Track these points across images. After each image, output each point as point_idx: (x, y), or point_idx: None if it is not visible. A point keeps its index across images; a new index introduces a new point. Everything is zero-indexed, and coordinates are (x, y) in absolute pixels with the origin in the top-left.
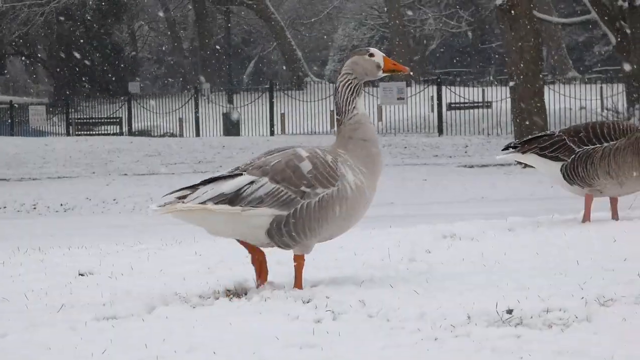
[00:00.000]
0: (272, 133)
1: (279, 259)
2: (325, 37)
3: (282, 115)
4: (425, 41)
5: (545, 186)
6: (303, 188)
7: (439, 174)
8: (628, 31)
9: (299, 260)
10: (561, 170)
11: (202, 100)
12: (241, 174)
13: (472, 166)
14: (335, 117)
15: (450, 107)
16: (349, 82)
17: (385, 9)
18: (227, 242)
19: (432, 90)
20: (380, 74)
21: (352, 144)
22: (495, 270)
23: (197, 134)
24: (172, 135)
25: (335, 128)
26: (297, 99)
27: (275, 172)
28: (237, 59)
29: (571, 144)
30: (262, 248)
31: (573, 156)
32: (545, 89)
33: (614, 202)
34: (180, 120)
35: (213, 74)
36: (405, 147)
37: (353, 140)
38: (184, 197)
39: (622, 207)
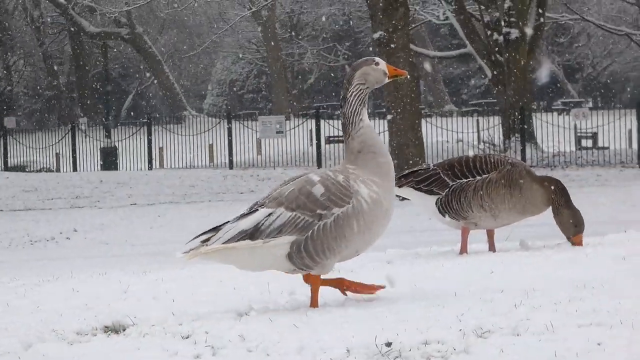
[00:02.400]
0: (150, 167)
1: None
2: (203, 71)
3: (161, 149)
4: (303, 75)
5: (423, 218)
6: (319, 211)
7: None
8: (504, 64)
9: (314, 280)
10: (436, 203)
11: (80, 135)
12: (258, 209)
13: None
14: (343, 132)
15: (329, 140)
16: (361, 91)
17: (264, 43)
18: (103, 278)
19: (311, 123)
20: (386, 81)
21: (362, 157)
22: (375, 303)
23: (75, 169)
24: (49, 170)
25: (344, 144)
26: (176, 133)
27: (289, 201)
28: (115, 92)
29: (445, 178)
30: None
31: (447, 190)
32: (423, 122)
33: (490, 234)
34: (57, 155)
35: (90, 108)
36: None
37: (362, 154)
38: (207, 240)
39: (499, 239)
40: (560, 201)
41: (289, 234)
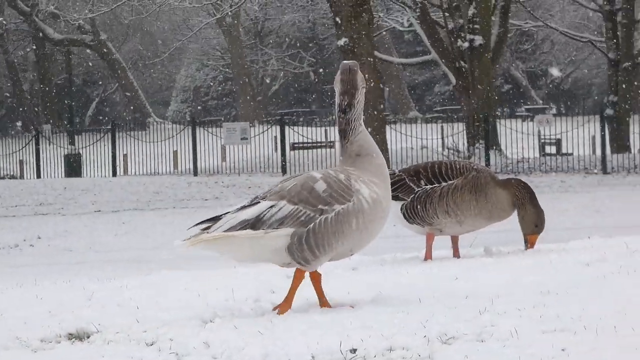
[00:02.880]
0: (114, 174)
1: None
2: (167, 77)
3: (125, 156)
4: (268, 81)
5: (388, 225)
6: (320, 206)
7: None
8: (468, 71)
9: (298, 275)
10: (401, 209)
11: (43, 142)
12: (259, 202)
13: None
14: (339, 136)
15: (293, 147)
16: (363, 96)
17: (228, 50)
18: (67, 285)
19: (276, 130)
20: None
21: (360, 160)
22: (339, 309)
23: (38, 176)
24: (13, 177)
25: (339, 148)
26: (140, 140)
27: (292, 195)
28: (79, 99)
29: (411, 184)
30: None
31: (412, 195)
32: (387, 128)
33: (455, 240)
34: (21, 162)
35: (54, 115)
36: (250, 187)
37: (361, 157)
38: (208, 228)
39: (463, 245)
40: (524, 198)
41: (290, 226)
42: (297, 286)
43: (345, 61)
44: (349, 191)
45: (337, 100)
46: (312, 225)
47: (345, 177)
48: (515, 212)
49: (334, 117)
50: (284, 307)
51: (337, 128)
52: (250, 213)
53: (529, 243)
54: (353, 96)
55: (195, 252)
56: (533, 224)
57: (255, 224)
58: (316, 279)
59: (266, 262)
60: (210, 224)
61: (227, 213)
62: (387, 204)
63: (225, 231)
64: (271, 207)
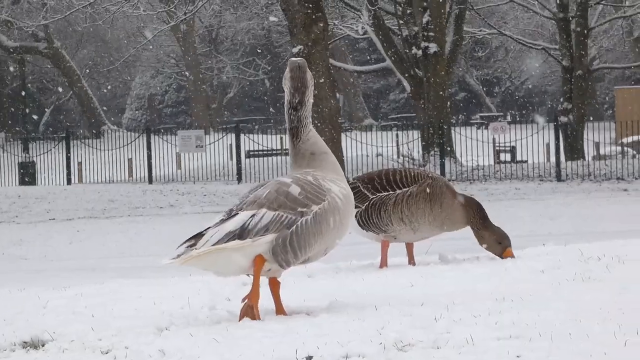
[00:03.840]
0: (69, 182)
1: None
2: (122, 85)
3: (80, 163)
4: (223, 89)
5: None
6: (299, 209)
7: None
8: (423, 79)
9: (259, 260)
10: (356, 217)
11: None
12: (237, 213)
13: None
14: (290, 135)
15: (249, 154)
16: (312, 94)
17: (183, 57)
18: (22, 294)
19: (231, 138)
20: None
21: (316, 159)
22: (295, 317)
23: None
24: None
25: (289, 151)
26: (95, 148)
27: (270, 202)
28: (33, 107)
29: (365, 191)
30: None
31: (367, 203)
32: (342, 136)
33: (410, 247)
34: None
35: (8, 123)
36: (205, 195)
37: (315, 155)
38: (193, 245)
39: (419, 253)
40: (478, 224)
41: (275, 232)
42: (259, 273)
43: (293, 58)
44: (322, 191)
45: (287, 97)
46: (294, 227)
47: (314, 179)
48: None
49: (286, 117)
50: (254, 297)
51: (287, 127)
52: (233, 224)
53: (508, 257)
54: (304, 93)
55: (170, 267)
56: (498, 244)
57: (241, 234)
58: (275, 286)
59: (249, 271)
60: (194, 241)
61: (208, 228)
62: (352, 200)
63: (213, 245)
64: (252, 216)
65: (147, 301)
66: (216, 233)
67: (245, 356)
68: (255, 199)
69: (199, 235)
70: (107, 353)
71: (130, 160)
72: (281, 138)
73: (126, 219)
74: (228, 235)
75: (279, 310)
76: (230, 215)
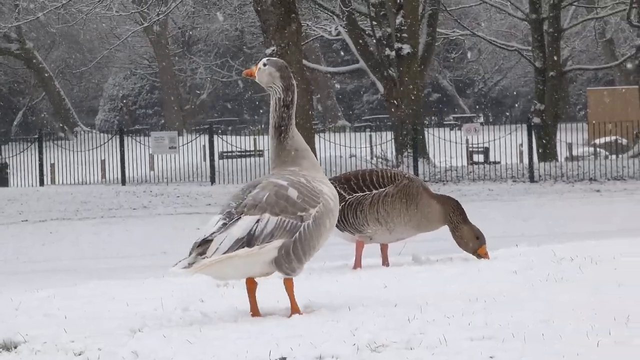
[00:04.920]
0: (42, 183)
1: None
2: (95, 86)
3: (52, 165)
4: (196, 90)
5: None
6: (299, 213)
7: None
8: (396, 80)
9: (289, 284)
10: None
11: None
12: (240, 217)
13: None
14: (277, 134)
15: (222, 155)
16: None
17: (156, 58)
18: None
19: (204, 139)
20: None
21: (298, 156)
22: (269, 318)
23: None
24: None
25: (273, 148)
26: (67, 149)
27: (271, 206)
28: (5, 108)
29: (341, 191)
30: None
31: (343, 203)
32: (316, 137)
33: (384, 248)
34: None
35: None
36: (178, 196)
37: (299, 152)
38: (203, 253)
39: (393, 254)
40: (457, 219)
41: (279, 238)
42: (293, 292)
43: (272, 58)
44: (316, 193)
45: (278, 95)
46: (297, 234)
47: (306, 180)
48: (442, 226)
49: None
50: (294, 311)
51: (275, 125)
52: (240, 231)
53: (482, 256)
54: (294, 92)
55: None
56: (474, 240)
57: (249, 241)
58: (252, 287)
59: (252, 275)
60: (202, 249)
61: (213, 234)
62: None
63: (224, 253)
64: (257, 221)
65: (120, 303)
66: (225, 240)
67: (218, 357)
68: (255, 202)
69: (205, 242)
70: (80, 355)
71: (103, 162)
72: (255, 139)
73: (99, 220)
74: (237, 243)
75: (254, 311)
76: (231, 218)
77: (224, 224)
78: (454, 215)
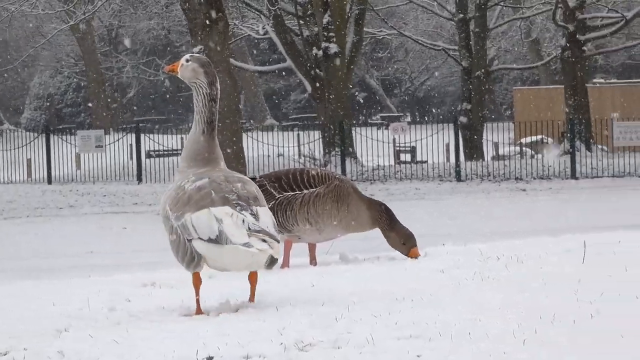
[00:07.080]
0: None
1: None
2: (21, 85)
3: None
4: (123, 89)
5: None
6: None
7: (139, 222)
8: (323, 79)
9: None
10: None
11: None
12: (257, 208)
13: None
14: (209, 128)
15: (149, 154)
16: None
17: (82, 57)
18: None
19: (131, 138)
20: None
21: (220, 155)
22: (196, 317)
23: None
24: None
25: (201, 145)
26: None
27: (262, 199)
28: None
29: (272, 190)
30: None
31: (273, 202)
32: (243, 136)
33: (312, 247)
34: None
35: None
36: (105, 195)
37: (218, 147)
38: (259, 232)
39: (320, 252)
40: (385, 225)
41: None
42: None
43: (194, 54)
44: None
45: (205, 90)
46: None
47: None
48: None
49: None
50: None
51: (207, 121)
52: (270, 220)
53: (413, 257)
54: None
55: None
56: (403, 244)
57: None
58: (197, 283)
59: (254, 268)
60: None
61: (255, 223)
62: None
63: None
64: (267, 211)
65: (46, 302)
66: (269, 227)
67: (145, 357)
68: (249, 195)
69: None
70: (5, 355)
71: (29, 161)
72: (181, 138)
73: (25, 219)
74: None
75: (198, 310)
76: (243, 208)
77: (252, 214)
78: (382, 221)
